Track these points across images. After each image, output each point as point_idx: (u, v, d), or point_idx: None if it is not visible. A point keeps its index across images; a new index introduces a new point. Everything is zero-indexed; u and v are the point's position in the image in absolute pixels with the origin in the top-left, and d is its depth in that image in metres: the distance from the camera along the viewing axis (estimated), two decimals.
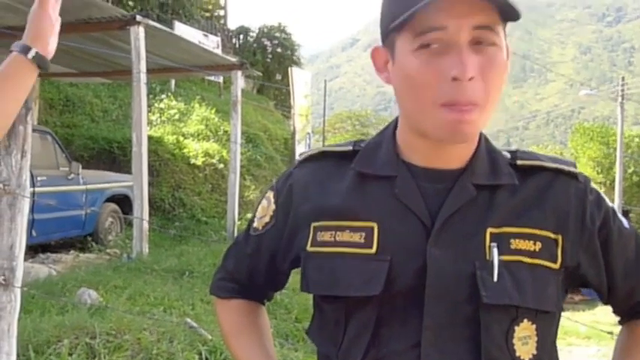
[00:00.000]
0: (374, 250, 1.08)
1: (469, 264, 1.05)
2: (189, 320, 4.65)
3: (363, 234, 1.09)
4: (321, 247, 1.12)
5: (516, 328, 1.07)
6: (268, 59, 18.65)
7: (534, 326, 1.08)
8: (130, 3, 15.01)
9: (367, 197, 1.11)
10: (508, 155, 1.14)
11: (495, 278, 1.04)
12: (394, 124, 1.16)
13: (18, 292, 2.22)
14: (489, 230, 1.07)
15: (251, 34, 19.11)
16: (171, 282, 5.90)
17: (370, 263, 1.08)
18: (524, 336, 1.08)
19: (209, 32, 16.45)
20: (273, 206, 1.22)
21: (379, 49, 1.11)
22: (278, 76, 18.98)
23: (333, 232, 1.12)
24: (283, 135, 16.28)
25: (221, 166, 11.59)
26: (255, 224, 1.26)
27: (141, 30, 6.97)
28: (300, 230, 1.17)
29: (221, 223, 10.41)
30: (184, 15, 15.76)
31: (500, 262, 1.05)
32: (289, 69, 17.07)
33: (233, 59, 9.74)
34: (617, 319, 1.26)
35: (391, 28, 1.02)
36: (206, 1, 17.96)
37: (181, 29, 13.45)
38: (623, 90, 25.70)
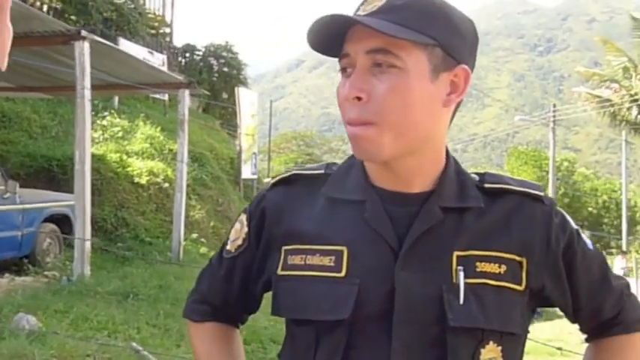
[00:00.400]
0: (343, 273, 1.09)
1: (436, 287, 1.07)
2: (134, 344, 4.49)
3: (333, 257, 1.10)
4: (291, 271, 1.13)
5: (482, 350, 1.08)
6: (214, 78, 18.50)
7: (500, 348, 1.10)
8: (73, 17, 14.64)
9: (337, 221, 1.12)
10: (477, 178, 1.17)
11: (461, 301, 1.06)
12: None
13: None
14: (456, 253, 1.08)
15: (197, 52, 18.93)
16: (115, 305, 5.69)
17: (339, 287, 1.08)
18: (490, 358, 1.09)
19: (155, 49, 16.19)
20: (245, 229, 1.22)
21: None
22: (224, 95, 18.83)
23: (304, 256, 1.12)
24: (229, 154, 16.13)
25: (166, 185, 11.34)
26: (228, 247, 1.25)
27: (86, 45, 6.77)
28: (271, 253, 1.18)
29: (165, 243, 10.16)
30: (129, 31, 15.46)
31: (466, 285, 1.07)
32: (236, 89, 17.00)
33: (180, 77, 9.57)
34: (583, 336, 1.28)
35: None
36: (152, 17, 17.68)
37: (126, 46, 13.18)
38: (554, 116, 26.88)
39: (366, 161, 1.13)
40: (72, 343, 4.01)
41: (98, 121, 12.70)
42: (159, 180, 11.39)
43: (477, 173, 1.19)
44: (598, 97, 23.66)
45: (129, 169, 11.23)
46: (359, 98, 1.04)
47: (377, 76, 1.03)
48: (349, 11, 1.10)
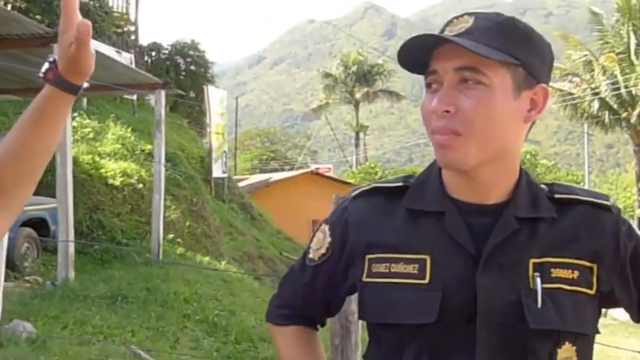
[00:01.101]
0: (427, 280, 1.18)
1: (515, 292, 1.16)
2: (134, 347, 4.50)
3: (417, 266, 1.19)
4: (376, 278, 1.22)
5: (559, 350, 1.18)
6: (181, 77, 18.38)
7: (574, 348, 1.19)
8: (38, 17, 14.39)
9: (419, 232, 1.22)
10: (546, 188, 1.25)
11: (539, 305, 1.15)
12: None
13: None
14: (532, 260, 1.18)
15: (164, 51, 18.77)
16: (105, 309, 5.68)
17: (424, 293, 1.18)
18: (566, 357, 1.18)
19: (121, 49, 16.02)
20: (328, 239, 1.31)
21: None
22: (191, 94, 18.72)
23: (388, 264, 1.22)
24: (199, 153, 16.05)
25: (140, 186, 11.25)
26: (310, 255, 1.35)
27: None
28: (355, 261, 1.27)
29: (142, 244, 10.09)
30: (95, 31, 15.17)
31: (542, 289, 1.16)
32: (205, 87, 16.92)
33: (157, 78, 9.51)
34: None
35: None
36: (117, 16, 17.47)
37: (94, 45, 12.97)
38: None
39: (448, 170, 1.21)
40: (74, 349, 4.02)
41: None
42: (133, 181, 11.29)
43: (545, 184, 1.27)
44: (559, 90, 24.19)
45: (102, 170, 11.11)
46: (447, 111, 1.13)
47: (463, 92, 1.13)
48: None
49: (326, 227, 1.33)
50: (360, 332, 2.66)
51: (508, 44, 1.13)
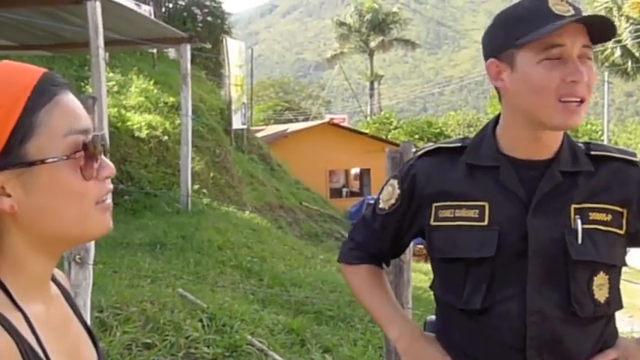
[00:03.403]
0: (486, 222, 1.43)
1: (559, 231, 1.41)
2: (181, 290, 4.82)
3: (477, 211, 1.44)
4: (443, 222, 1.48)
5: (595, 278, 1.42)
6: (199, 28, 18.41)
7: (607, 277, 1.44)
8: None
9: (478, 183, 1.46)
10: (583, 147, 1.50)
11: (580, 241, 1.40)
12: (493, 124, 1.52)
13: (91, 269, 2.36)
14: (573, 206, 1.42)
15: (180, 2, 18.79)
16: (147, 255, 6.00)
17: (484, 233, 1.43)
18: (600, 284, 1.43)
19: (140, 1, 16.09)
20: (397, 191, 1.56)
21: (494, 62, 1.43)
22: (208, 45, 18.78)
23: (453, 210, 1.47)
24: (219, 105, 16.24)
25: (165, 138, 11.53)
26: (381, 205, 1.60)
27: (98, 5, 6.88)
28: (422, 209, 1.52)
29: (170, 195, 10.42)
30: None
31: (582, 229, 1.40)
32: (223, 39, 16.98)
33: (182, 33, 9.68)
34: None
35: (516, 44, 1.38)
36: None
37: None
38: None
39: (555, 131, 1.43)
40: (128, 291, 4.35)
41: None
42: (158, 133, 11.56)
43: (582, 142, 1.53)
44: None
45: (128, 123, 11.39)
46: (581, 81, 1.36)
47: (583, 65, 1.36)
48: None
49: (394, 182, 1.58)
50: (410, 271, 2.99)
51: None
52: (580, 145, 1.51)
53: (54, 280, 0.95)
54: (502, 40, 1.41)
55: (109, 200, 0.92)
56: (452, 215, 1.46)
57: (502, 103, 1.48)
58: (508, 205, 1.42)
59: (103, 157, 0.90)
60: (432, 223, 1.49)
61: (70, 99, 0.88)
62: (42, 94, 0.84)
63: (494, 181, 1.44)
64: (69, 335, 0.92)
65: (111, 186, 0.92)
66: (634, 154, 1.51)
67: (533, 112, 1.38)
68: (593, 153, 1.48)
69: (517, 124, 1.44)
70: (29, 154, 0.82)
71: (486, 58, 1.46)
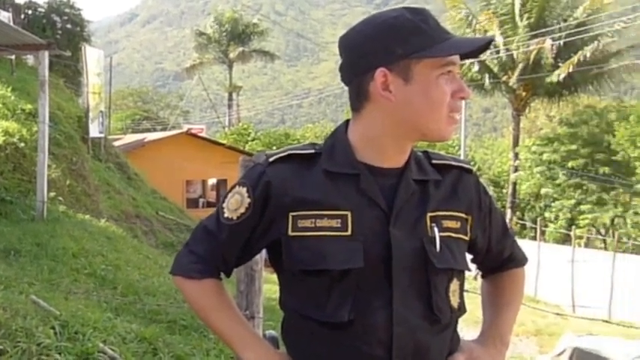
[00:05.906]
0: (349, 232, 1.38)
1: (418, 240, 1.40)
2: (34, 297, 4.82)
3: (339, 220, 1.38)
4: (302, 232, 1.39)
5: (450, 284, 1.44)
6: (58, 35, 18.19)
7: (459, 283, 1.47)
8: None
9: (339, 191, 1.40)
10: (422, 155, 1.50)
11: (438, 249, 1.41)
12: (344, 129, 1.46)
13: None
14: (429, 214, 1.42)
15: (40, 9, 18.48)
16: (0, 262, 6.03)
17: (348, 243, 1.37)
18: (454, 290, 1.45)
19: None
20: (248, 199, 1.44)
21: (383, 72, 1.36)
22: (68, 53, 18.63)
23: (313, 220, 1.39)
24: (77, 113, 16.14)
25: (22, 145, 11.52)
26: (227, 214, 1.46)
27: None
28: (277, 219, 1.42)
29: (26, 202, 10.47)
30: None
31: (439, 237, 1.41)
32: (82, 46, 16.94)
33: (40, 39, 9.84)
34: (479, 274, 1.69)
35: (417, 56, 1.35)
36: None
37: None
38: None
39: (440, 142, 1.45)
40: None
41: None
42: (14, 140, 11.53)
43: (421, 151, 1.52)
44: None
45: None
46: None
47: None
48: None
49: (242, 189, 1.45)
50: (262, 280, 2.98)
51: None
52: (419, 153, 1.50)
53: None
54: (393, 50, 1.35)
55: None
56: (313, 225, 1.38)
57: (373, 112, 1.40)
58: (370, 215, 1.38)
59: None
60: (291, 233, 1.40)
61: None
62: None
63: (356, 189, 1.40)
64: None
65: None
66: (469, 162, 1.55)
67: (424, 124, 1.38)
68: (434, 162, 1.49)
69: (391, 135, 1.40)
70: None
71: (367, 67, 1.37)
